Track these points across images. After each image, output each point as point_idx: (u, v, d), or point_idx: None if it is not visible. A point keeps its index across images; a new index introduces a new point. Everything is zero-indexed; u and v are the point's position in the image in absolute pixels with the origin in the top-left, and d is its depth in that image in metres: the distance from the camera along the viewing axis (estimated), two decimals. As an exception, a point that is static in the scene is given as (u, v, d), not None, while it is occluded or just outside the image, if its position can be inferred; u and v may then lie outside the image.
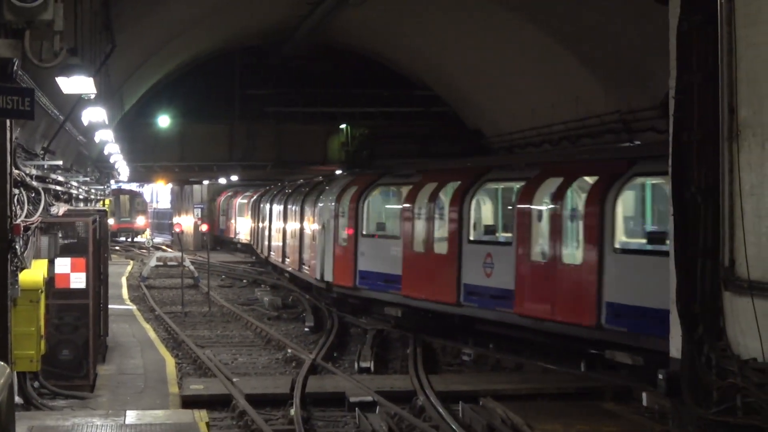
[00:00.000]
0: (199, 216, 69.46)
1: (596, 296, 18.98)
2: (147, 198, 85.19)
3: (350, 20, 36.65)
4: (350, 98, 43.23)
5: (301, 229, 35.37)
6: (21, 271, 13.47)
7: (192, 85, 42.90)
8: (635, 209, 20.38)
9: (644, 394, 17.19)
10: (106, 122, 21.28)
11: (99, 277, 19.28)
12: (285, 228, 39.73)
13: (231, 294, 37.74)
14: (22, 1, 10.01)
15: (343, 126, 43.39)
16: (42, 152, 18.57)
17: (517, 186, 22.60)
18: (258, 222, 50.28)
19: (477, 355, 22.33)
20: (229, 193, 66.16)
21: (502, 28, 32.03)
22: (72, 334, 17.42)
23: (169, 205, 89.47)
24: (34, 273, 15.15)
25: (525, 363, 21.07)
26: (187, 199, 74.32)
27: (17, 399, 14.89)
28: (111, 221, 48.84)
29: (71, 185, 24.29)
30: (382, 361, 22.26)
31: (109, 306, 24.38)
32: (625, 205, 19.55)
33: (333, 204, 29.74)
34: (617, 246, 19.00)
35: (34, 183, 15.78)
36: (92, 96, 15.66)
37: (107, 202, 45.14)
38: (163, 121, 43.08)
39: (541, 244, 21.10)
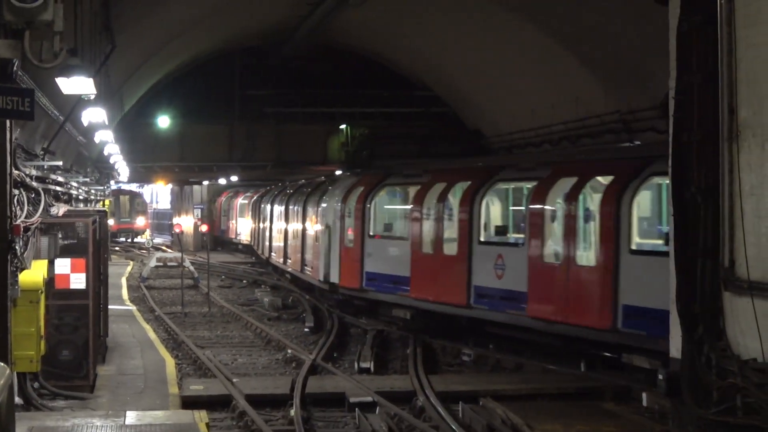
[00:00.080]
0: (199, 216, 69.50)
1: (612, 298, 18.68)
2: (147, 198, 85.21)
3: (350, 21, 36.64)
4: (350, 99, 43.23)
5: (304, 230, 35.14)
6: (21, 271, 13.46)
7: (192, 85, 42.90)
8: (652, 209, 20.02)
9: (644, 394, 17.19)
10: (106, 123, 21.28)
11: (99, 278, 19.28)
12: (286, 229, 39.58)
13: (231, 294, 37.73)
14: (21, 1, 10.01)
15: (343, 126, 43.40)
16: (42, 153, 18.57)
17: (529, 186, 22.26)
18: (258, 222, 50.19)
19: (477, 355, 22.31)
20: (230, 194, 66.13)
21: (501, 29, 32.03)
22: (72, 334, 17.42)
23: (169, 206, 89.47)
24: (33, 273, 15.14)
25: (525, 363, 21.04)
26: (187, 199, 74.32)
27: (17, 399, 14.89)
28: (111, 222, 48.84)
29: (71, 186, 24.29)
30: (382, 361, 22.26)
31: (109, 306, 24.38)
32: (641, 205, 19.19)
33: (339, 204, 29.37)
34: (633, 247, 18.66)
35: (34, 183, 15.78)
36: (92, 96, 15.66)
37: (107, 202, 45.17)
38: (163, 121, 43.09)
39: (554, 245, 20.76)
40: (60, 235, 17.42)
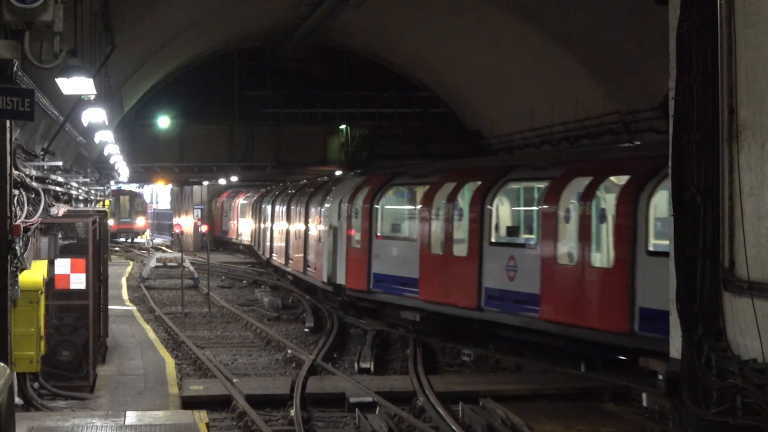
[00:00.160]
0: (199, 217, 69.51)
1: (628, 301, 18.30)
2: (147, 199, 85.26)
3: (349, 21, 36.67)
4: (349, 99, 43.27)
5: (307, 231, 34.88)
6: (21, 271, 13.47)
7: (191, 86, 42.92)
8: (669, 209, 19.73)
9: (644, 395, 17.17)
10: (106, 123, 21.29)
11: (99, 278, 19.28)
12: (288, 229, 39.41)
13: (231, 295, 37.72)
14: (21, 2, 10.02)
15: (342, 127, 43.44)
16: (42, 153, 18.57)
17: (542, 186, 21.79)
18: (259, 223, 50.09)
19: (477, 355, 22.29)
20: (231, 194, 66.11)
21: (501, 30, 32.06)
22: (72, 334, 17.42)
23: (168, 206, 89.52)
24: (33, 274, 15.15)
25: (525, 363, 21.02)
26: (187, 199, 74.36)
27: (17, 400, 14.89)
28: (111, 222, 48.83)
29: (71, 186, 24.29)
30: (382, 361, 22.25)
31: (109, 307, 24.38)
32: (658, 205, 18.54)
33: (345, 205, 28.96)
34: (651, 248, 18.16)
35: (34, 184, 15.79)
36: (92, 97, 15.69)
37: (107, 202, 45.21)
38: (163, 122, 43.13)
39: (568, 247, 20.32)
40: (60, 236, 17.43)
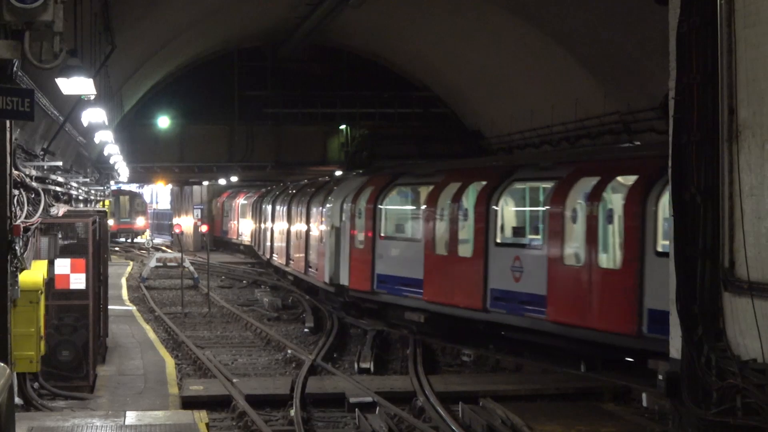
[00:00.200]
0: (199, 217, 69.51)
1: (636, 302, 18.15)
2: (147, 199, 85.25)
3: (349, 21, 36.68)
4: (349, 99, 43.29)
5: (308, 231, 34.74)
6: (21, 271, 13.47)
7: (191, 86, 42.95)
8: (670, 210, 19.54)
9: (644, 395, 17.16)
10: (106, 123, 21.29)
11: (99, 278, 19.27)
12: (289, 230, 39.31)
13: (231, 295, 37.72)
14: (21, 2, 10.02)
15: (342, 127, 43.44)
16: (42, 153, 18.58)
17: (548, 186, 21.56)
18: (259, 223, 50.03)
19: (477, 355, 22.28)
20: (231, 194, 66.10)
21: (501, 30, 32.07)
22: (72, 335, 17.42)
23: (168, 206, 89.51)
24: (33, 274, 15.15)
25: (525, 364, 21.02)
26: (187, 199, 74.36)
27: (17, 400, 14.89)
28: (111, 222, 48.83)
29: (71, 186, 24.29)
30: (382, 361, 22.24)
31: (109, 307, 24.38)
32: (667, 205, 17.85)
33: (348, 205, 28.79)
34: (659, 249, 17.93)
35: (34, 184, 15.79)
36: (92, 97, 15.69)
37: (107, 202, 45.21)
38: (163, 122, 43.14)
39: (575, 247, 20.12)
40: (60, 236, 17.42)
